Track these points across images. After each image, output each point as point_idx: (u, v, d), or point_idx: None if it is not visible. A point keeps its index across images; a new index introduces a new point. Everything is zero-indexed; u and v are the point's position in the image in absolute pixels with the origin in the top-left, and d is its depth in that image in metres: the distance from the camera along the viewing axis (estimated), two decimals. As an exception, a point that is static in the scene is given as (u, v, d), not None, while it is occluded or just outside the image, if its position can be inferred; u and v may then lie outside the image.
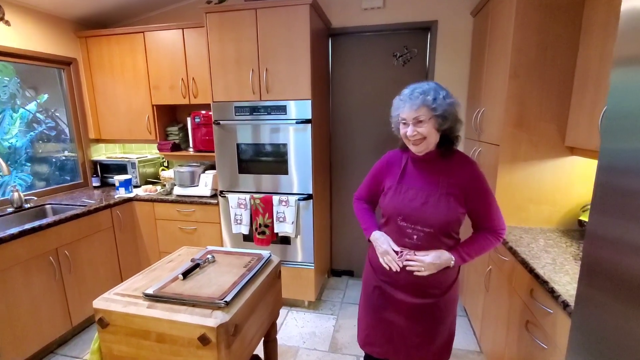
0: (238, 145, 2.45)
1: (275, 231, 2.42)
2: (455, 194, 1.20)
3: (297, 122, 2.27)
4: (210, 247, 1.64)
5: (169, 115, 3.10)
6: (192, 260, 1.45)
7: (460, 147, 2.68)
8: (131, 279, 1.39)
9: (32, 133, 3.80)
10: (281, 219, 2.39)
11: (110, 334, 1.22)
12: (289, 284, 2.56)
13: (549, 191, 1.83)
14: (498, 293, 1.78)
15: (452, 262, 1.22)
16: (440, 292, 1.28)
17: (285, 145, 2.35)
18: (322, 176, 2.70)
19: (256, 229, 2.44)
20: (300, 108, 2.28)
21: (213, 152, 2.55)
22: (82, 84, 2.99)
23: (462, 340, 2.26)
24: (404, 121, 1.20)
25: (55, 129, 3.90)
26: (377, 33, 2.75)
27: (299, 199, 2.37)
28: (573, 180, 1.78)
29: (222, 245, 2.64)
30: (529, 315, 1.39)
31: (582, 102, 1.60)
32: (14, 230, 1.88)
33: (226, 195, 2.50)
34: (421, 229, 1.21)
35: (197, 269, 1.40)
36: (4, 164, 2.07)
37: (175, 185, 2.78)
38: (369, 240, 1.39)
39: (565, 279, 1.26)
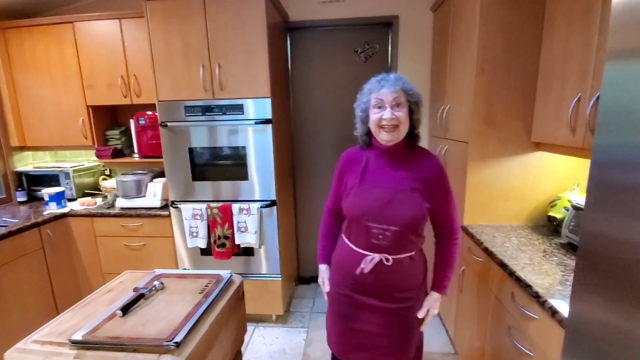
0: (191, 149, 2.20)
1: (237, 242, 2.20)
2: (420, 189, 1.15)
3: (256, 123, 2.08)
4: (158, 271, 1.40)
5: (109, 118, 2.74)
6: (135, 289, 1.21)
7: (425, 145, 2.64)
8: (57, 319, 1.13)
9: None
10: (242, 229, 2.18)
11: (26, 396, 0.96)
12: (255, 299, 2.35)
13: (517, 187, 1.81)
14: (473, 294, 1.72)
15: (440, 297, 1.26)
16: (410, 295, 1.21)
17: (244, 148, 2.15)
18: (285, 180, 2.53)
19: (215, 242, 2.21)
20: (258, 107, 2.09)
21: (162, 157, 2.28)
22: (1, 83, 2.55)
23: (435, 341, 2.21)
24: (379, 104, 1.12)
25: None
26: (337, 28, 2.62)
27: (261, 206, 2.17)
28: (540, 175, 1.78)
29: (176, 262, 2.37)
30: (510, 320, 1.33)
31: (546, 97, 1.58)
32: None
33: (179, 205, 2.24)
34: (387, 227, 1.14)
35: (142, 300, 1.17)
36: None
37: (118, 196, 2.45)
38: None
39: (547, 281, 1.21)
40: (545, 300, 1.08)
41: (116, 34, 2.37)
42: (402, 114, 1.10)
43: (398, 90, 1.10)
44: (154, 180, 2.49)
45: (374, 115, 1.13)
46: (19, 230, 2.05)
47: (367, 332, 1.23)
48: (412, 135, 1.19)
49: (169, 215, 2.31)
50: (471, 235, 1.73)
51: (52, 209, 2.38)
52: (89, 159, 2.92)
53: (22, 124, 2.63)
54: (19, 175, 2.68)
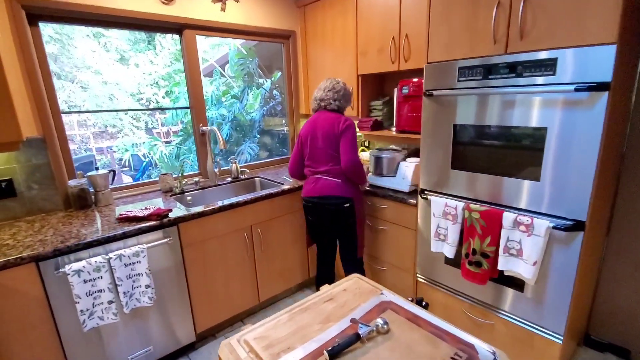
0: (456, 126, 1.66)
1: (499, 268, 1.53)
2: None
3: (576, 90, 1.24)
4: (386, 296, 1.02)
5: (375, 87, 2.62)
6: (352, 321, 0.88)
7: None
8: (274, 318, 0.98)
9: (264, 108, 4.32)
10: (513, 252, 1.48)
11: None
12: (508, 347, 1.64)
13: None
14: None
15: None
16: None
17: (542, 130, 1.37)
18: (605, 190, 1.52)
19: (467, 255, 1.64)
20: (588, 62, 1.22)
21: (419, 133, 1.88)
22: (298, 57, 2.94)
23: None
24: None
25: (281, 104, 4.27)
26: None
27: (555, 226, 1.37)
28: None
29: (414, 261, 1.99)
30: None
31: None
32: (215, 205, 1.94)
33: (428, 196, 1.80)
34: None
35: (357, 342, 0.82)
36: (221, 139, 2.18)
37: (369, 171, 2.31)
38: None
39: None
40: None
41: (394, -10, 2.09)
42: None
43: None
44: (407, 159, 2.15)
45: None
46: (290, 190, 2.28)
47: None
48: None
49: (415, 205, 1.93)
50: None
51: (316, 173, 2.56)
52: (353, 128, 2.98)
53: (309, 94, 2.95)
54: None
